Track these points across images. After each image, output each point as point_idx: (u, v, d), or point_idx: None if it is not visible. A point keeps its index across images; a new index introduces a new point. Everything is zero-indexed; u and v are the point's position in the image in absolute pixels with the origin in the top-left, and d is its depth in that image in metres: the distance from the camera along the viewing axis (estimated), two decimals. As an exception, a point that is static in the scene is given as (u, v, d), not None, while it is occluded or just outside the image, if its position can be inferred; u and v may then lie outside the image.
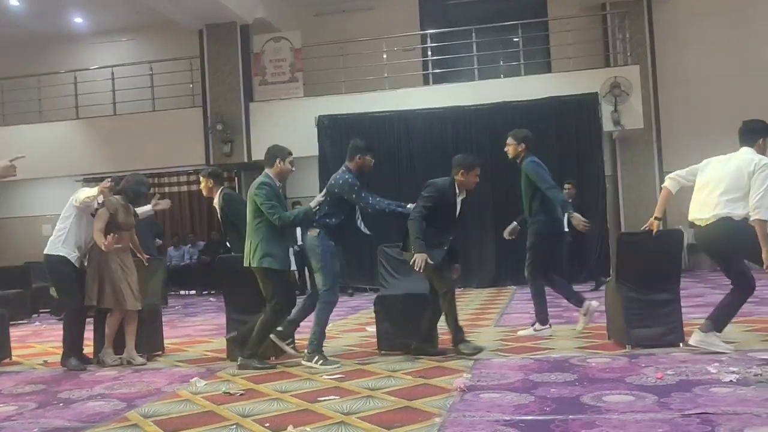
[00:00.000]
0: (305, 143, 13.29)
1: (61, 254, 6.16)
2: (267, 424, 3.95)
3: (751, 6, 13.95)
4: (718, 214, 5.20)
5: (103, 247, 6.01)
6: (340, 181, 5.82)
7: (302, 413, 4.19)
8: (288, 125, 13.77)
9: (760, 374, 4.51)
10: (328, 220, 5.82)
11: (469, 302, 10.34)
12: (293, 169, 5.92)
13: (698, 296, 9.25)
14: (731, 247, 5.27)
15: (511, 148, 6.58)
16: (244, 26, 14.45)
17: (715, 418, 3.62)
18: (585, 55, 13.76)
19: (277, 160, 5.82)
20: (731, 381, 4.38)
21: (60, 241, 6.18)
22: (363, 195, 5.80)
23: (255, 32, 14.69)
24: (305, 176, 14.73)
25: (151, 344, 6.59)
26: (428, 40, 14.73)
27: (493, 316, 8.50)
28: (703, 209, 5.34)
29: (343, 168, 5.96)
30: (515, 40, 14.56)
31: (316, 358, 5.65)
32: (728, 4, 13.99)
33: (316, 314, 5.84)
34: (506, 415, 3.89)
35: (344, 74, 14.20)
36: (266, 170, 5.86)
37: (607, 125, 12.74)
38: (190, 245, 15.00)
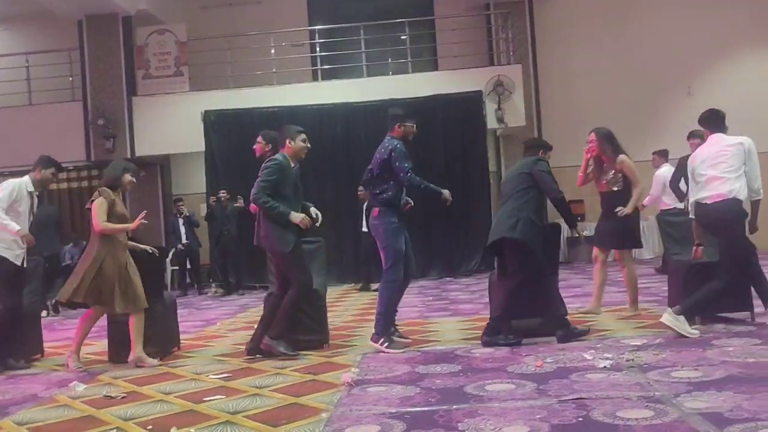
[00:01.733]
0: (191, 139, 13.07)
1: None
2: (149, 427, 3.87)
3: (627, 8, 14.64)
4: (732, 190, 5.40)
5: (133, 226, 5.69)
6: (395, 146, 5.74)
7: (187, 414, 4.12)
8: (173, 120, 13.45)
9: (632, 360, 4.76)
10: (384, 195, 5.75)
11: (358, 298, 10.42)
12: (308, 146, 5.81)
13: (577, 287, 9.64)
14: (733, 227, 5.51)
15: (258, 146, 6.58)
16: (127, 17, 13.99)
17: (589, 402, 3.80)
18: (470, 54, 14.06)
19: (288, 141, 5.72)
20: (605, 367, 4.60)
21: None
22: (407, 165, 5.70)
23: (138, 24, 14.24)
24: (191, 172, 14.49)
25: (29, 348, 6.30)
26: (317, 35, 14.71)
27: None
28: (707, 186, 5.52)
29: (388, 137, 5.89)
30: (403, 37, 14.74)
31: (382, 340, 5.60)
32: (605, 6, 14.65)
33: (379, 294, 5.76)
34: (392, 408, 3.95)
35: (231, 69, 14.00)
36: (281, 151, 5.74)
37: (492, 123, 13.08)
38: (72, 244, 14.32)
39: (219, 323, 8.33)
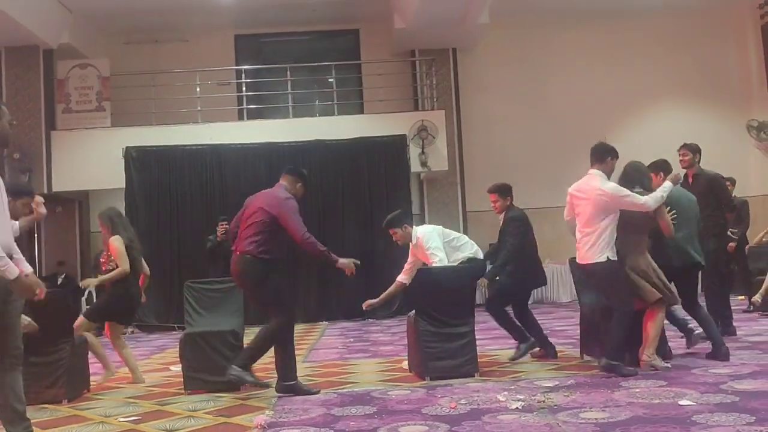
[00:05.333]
0: (111, 175, 12.84)
1: None
2: (51, 472, 3.73)
3: (543, 56, 15.18)
4: None
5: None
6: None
7: (92, 458, 3.99)
8: (93, 156, 13.20)
9: (543, 401, 4.85)
10: None
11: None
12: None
13: (495, 329, 9.74)
14: None
15: None
16: (48, 51, 13.73)
17: (499, 443, 3.85)
18: (395, 99, 14.32)
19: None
20: (517, 408, 4.67)
21: None
22: None
23: (60, 57, 13.99)
24: (111, 210, 14.13)
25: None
26: (243, 75, 14.72)
27: (303, 352, 8.53)
28: None
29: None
30: (330, 80, 14.89)
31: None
32: (524, 55, 15.16)
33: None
34: (304, 450, 3.92)
35: (155, 105, 13.83)
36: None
37: (415, 166, 13.29)
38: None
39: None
